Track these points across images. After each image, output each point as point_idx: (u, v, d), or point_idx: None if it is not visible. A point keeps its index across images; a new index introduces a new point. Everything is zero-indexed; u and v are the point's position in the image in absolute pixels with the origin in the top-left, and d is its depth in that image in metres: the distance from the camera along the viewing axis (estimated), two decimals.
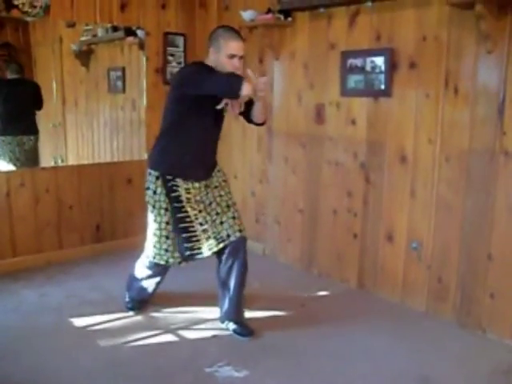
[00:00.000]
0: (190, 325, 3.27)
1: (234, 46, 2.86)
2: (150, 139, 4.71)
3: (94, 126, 4.80)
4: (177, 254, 3.08)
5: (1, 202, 4.06)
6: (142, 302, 3.46)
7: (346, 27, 3.70)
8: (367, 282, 3.80)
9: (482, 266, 3.14)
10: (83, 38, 4.48)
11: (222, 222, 3.07)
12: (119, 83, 4.73)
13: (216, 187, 3.13)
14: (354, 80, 3.66)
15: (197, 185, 3.04)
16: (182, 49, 4.83)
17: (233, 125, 4.67)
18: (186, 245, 3.00)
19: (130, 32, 4.55)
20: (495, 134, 2.99)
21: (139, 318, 3.36)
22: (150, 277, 3.31)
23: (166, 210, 3.01)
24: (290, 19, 4.02)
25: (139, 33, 4.58)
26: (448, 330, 3.25)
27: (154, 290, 3.40)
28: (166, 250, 3.08)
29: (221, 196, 3.13)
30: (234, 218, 3.10)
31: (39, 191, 4.25)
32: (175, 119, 2.97)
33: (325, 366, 2.81)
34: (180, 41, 4.82)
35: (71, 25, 4.32)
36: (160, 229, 3.06)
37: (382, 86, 3.48)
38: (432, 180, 3.33)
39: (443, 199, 3.29)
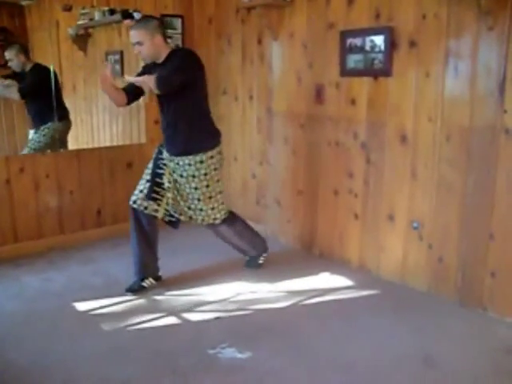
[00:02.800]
0: (192, 307, 3.28)
1: (130, 35, 3.20)
2: (150, 123, 4.71)
3: (93, 110, 4.78)
4: (144, 202, 3.40)
5: (1, 187, 4.06)
6: (139, 283, 3.49)
7: (344, 6, 3.65)
8: (368, 263, 3.81)
9: (482, 245, 3.14)
10: (80, 22, 4.43)
11: (179, 202, 3.49)
12: (117, 67, 4.69)
13: (182, 176, 3.38)
14: (353, 60, 3.62)
15: (169, 156, 3.40)
16: (179, 31, 4.78)
17: (232, 107, 4.65)
18: (151, 193, 3.41)
19: (127, 15, 4.50)
20: (496, 112, 2.97)
21: (141, 301, 3.37)
22: (134, 237, 3.44)
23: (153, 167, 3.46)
24: None
25: (136, 15, 4.51)
26: (449, 309, 3.26)
27: (141, 258, 3.47)
28: (140, 191, 3.43)
29: (188, 188, 3.40)
30: (189, 208, 3.47)
31: (39, 177, 4.24)
32: None
33: (327, 347, 2.83)
34: (178, 23, 4.77)
35: (67, 8, 4.27)
36: (145, 174, 3.50)
37: (382, 66, 3.45)
38: (432, 159, 3.31)
39: (444, 178, 3.28)
